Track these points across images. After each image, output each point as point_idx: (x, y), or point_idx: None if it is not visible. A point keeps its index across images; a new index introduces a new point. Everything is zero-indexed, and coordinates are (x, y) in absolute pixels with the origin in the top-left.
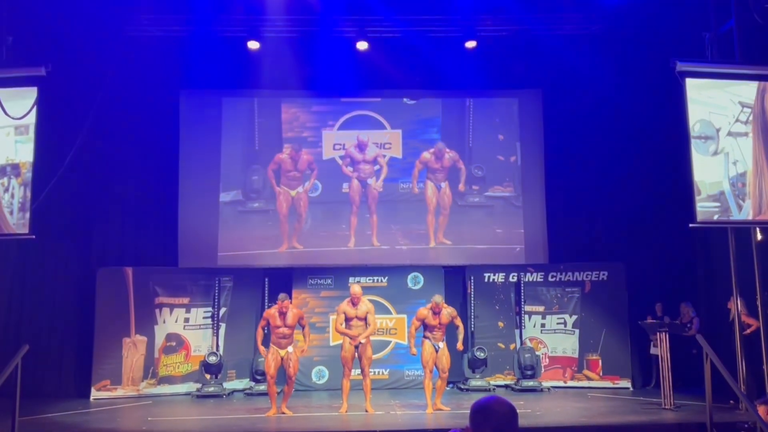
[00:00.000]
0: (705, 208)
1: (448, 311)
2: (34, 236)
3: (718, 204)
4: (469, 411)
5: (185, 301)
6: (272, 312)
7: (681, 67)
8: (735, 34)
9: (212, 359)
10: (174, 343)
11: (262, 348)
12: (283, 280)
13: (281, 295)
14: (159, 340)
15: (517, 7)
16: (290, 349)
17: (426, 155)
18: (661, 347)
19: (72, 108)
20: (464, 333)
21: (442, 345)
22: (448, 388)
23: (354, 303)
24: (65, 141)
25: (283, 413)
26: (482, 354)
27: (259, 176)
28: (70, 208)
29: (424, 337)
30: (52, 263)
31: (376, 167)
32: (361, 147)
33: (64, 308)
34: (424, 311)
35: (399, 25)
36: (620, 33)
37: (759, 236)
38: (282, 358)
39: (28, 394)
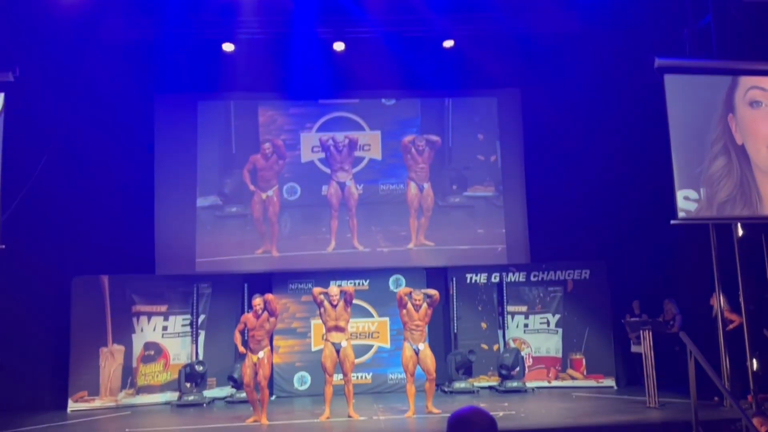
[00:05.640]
0: (686, 205)
1: (425, 308)
2: (3, 246)
3: (698, 200)
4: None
5: (163, 308)
6: (249, 315)
7: (660, 62)
8: (713, 29)
9: (199, 368)
10: (152, 352)
11: (242, 348)
12: (262, 285)
13: (254, 297)
14: (137, 349)
15: (494, 6)
16: (261, 354)
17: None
18: (644, 345)
19: (43, 114)
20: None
21: (422, 346)
22: None
23: (332, 303)
24: (36, 147)
25: (262, 422)
26: (474, 357)
27: (236, 180)
28: (43, 216)
29: (404, 339)
30: (26, 273)
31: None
32: (338, 148)
33: (39, 318)
34: (405, 297)
35: (375, 25)
36: (599, 31)
37: (740, 232)
38: (255, 364)
39: (4, 407)
